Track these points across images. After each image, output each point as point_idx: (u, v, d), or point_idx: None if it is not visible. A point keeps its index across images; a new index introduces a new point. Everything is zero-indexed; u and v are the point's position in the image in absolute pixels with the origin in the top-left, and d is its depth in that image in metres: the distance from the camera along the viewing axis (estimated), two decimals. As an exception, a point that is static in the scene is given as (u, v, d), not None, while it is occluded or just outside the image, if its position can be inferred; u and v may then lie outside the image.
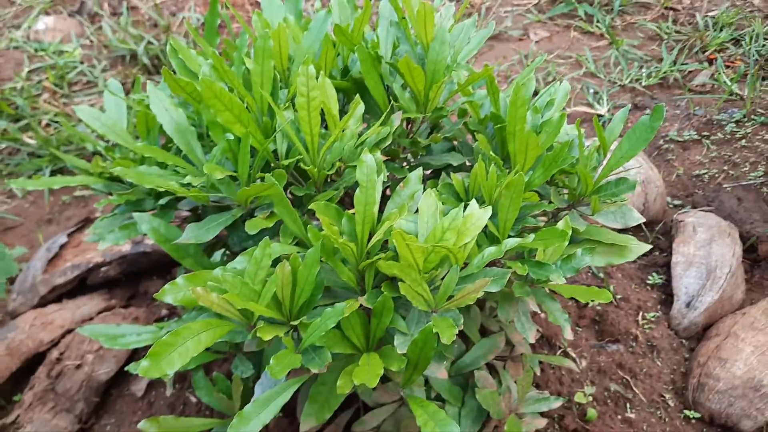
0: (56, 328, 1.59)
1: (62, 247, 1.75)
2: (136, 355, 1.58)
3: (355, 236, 0.90)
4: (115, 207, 1.22)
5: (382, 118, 0.99)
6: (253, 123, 0.93)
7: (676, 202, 2.00)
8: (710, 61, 2.62)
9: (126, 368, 1.04)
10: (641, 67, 2.61)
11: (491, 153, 1.04)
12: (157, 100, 1.02)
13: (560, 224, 1.01)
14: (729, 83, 2.40)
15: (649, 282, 1.73)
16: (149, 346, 1.66)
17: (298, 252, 0.90)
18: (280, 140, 1.00)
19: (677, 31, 2.79)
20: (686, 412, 1.44)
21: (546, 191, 1.13)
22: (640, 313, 1.64)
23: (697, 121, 2.32)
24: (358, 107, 1.01)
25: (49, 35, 2.82)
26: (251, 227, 0.91)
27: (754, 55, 2.52)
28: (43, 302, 1.68)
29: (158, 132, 1.17)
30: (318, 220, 1.01)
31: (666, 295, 1.70)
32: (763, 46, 2.55)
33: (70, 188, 2.21)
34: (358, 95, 1.03)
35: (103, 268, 1.69)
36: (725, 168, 2.08)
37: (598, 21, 2.89)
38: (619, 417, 1.43)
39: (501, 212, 0.96)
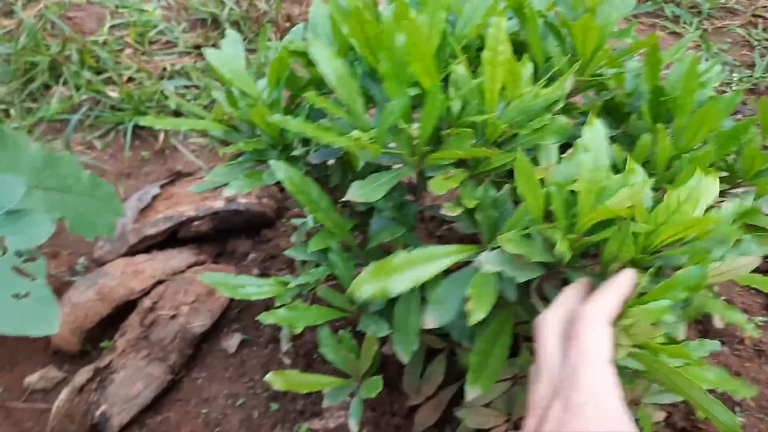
0: (147, 278, 1.56)
1: (154, 198, 1.72)
2: (229, 310, 1.55)
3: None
4: (238, 155, 1.19)
5: (561, 80, 0.93)
6: (438, 77, 0.88)
7: (773, 209, 1.93)
8: (803, 72, 2.54)
9: (258, 318, 1.01)
10: (731, 72, 2.54)
11: (657, 125, 0.99)
12: (317, 49, 0.97)
13: (734, 205, 0.96)
14: (827, 94, 2.33)
15: (753, 287, 1.67)
16: (251, 303, 1.62)
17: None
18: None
19: (767, 39, 2.72)
20: (798, 421, 1.39)
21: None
22: (746, 317, 1.58)
23: (791, 130, 2.25)
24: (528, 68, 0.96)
25: (129, -8, 2.81)
26: (436, 187, 0.86)
27: None
28: (131, 252, 1.65)
29: (284, 84, 1.13)
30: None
31: (771, 301, 1.64)
32: None
33: (150, 144, 2.19)
34: (525, 55, 0.98)
35: (195, 223, 1.66)
36: (824, 179, 2.01)
37: (685, 22, 2.82)
38: (728, 419, 1.37)
39: (678, 188, 0.91)
